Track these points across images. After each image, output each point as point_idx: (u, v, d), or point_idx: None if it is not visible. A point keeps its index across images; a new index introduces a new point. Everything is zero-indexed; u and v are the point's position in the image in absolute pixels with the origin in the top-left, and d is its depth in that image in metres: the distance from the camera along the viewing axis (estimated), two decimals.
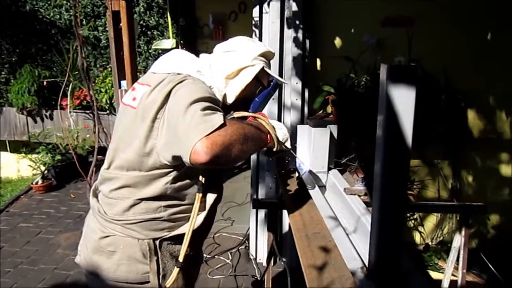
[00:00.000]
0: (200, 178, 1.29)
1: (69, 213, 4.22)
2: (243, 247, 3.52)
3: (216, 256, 3.35)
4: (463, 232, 1.71)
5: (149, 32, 5.70)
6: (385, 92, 0.91)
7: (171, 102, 1.20)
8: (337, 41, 3.24)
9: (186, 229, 1.30)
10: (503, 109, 3.21)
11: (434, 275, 2.91)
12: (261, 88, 1.49)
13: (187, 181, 1.31)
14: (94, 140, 5.37)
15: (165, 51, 5.54)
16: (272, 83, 1.52)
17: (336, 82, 3.10)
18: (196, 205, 1.29)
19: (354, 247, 1.21)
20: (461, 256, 1.72)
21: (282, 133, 1.35)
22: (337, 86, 3.10)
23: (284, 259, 1.84)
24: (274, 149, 1.35)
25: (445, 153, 3.29)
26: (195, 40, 5.82)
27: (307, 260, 1.22)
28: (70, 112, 5.34)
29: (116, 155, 1.31)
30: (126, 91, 3.59)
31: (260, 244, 3.30)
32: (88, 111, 5.44)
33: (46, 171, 4.96)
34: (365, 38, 3.07)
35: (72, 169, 4.86)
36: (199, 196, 1.29)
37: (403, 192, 0.97)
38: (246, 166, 5.61)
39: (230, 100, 1.38)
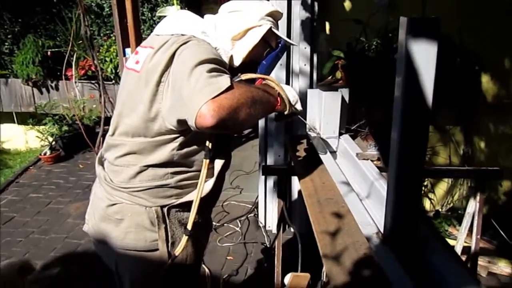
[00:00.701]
0: (207, 143, 1.25)
1: (78, 183, 4.24)
2: (252, 215, 3.52)
3: (225, 224, 3.36)
4: (477, 198, 1.66)
5: None
6: (405, 47, 0.84)
7: (175, 64, 1.14)
8: (347, 4, 3.13)
9: (194, 196, 1.27)
10: None
11: None
12: (269, 50, 1.42)
13: (194, 147, 1.27)
14: (100, 111, 5.35)
15: None
16: (280, 45, 1.45)
17: (346, 46, 3.01)
18: (204, 171, 1.25)
19: (368, 212, 1.17)
20: (475, 221, 1.68)
21: (291, 95, 1.30)
22: (347, 50, 3.01)
23: (293, 225, 1.81)
24: (285, 113, 1.30)
25: (458, 119, 3.21)
26: (200, 6, 5.69)
27: (320, 226, 1.18)
28: (75, 82, 5.30)
29: (121, 120, 1.27)
30: None
31: (269, 212, 3.29)
32: (93, 81, 5.38)
33: (53, 142, 4.96)
34: None
35: (80, 140, 4.85)
36: (206, 162, 1.25)
37: (422, 156, 0.93)
38: (253, 134, 5.57)
39: (236, 62, 1.32)
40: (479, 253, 1.75)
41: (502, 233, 2.84)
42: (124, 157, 1.27)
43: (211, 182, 1.30)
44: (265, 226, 3.32)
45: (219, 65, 1.14)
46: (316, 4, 2.97)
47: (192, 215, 1.26)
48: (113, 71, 5.30)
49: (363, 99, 2.94)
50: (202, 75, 1.06)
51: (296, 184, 3.02)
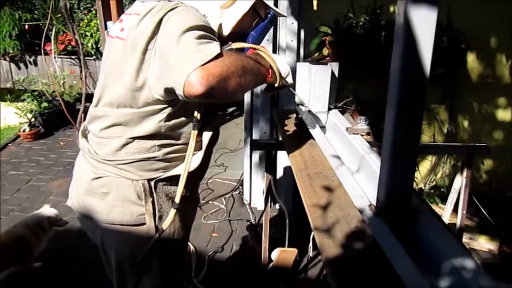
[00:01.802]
0: (196, 113, 1.21)
1: (59, 161, 4.15)
2: (236, 192, 3.51)
3: (210, 202, 3.34)
4: (464, 173, 1.67)
5: None
6: (404, 13, 0.81)
7: (162, 31, 1.09)
8: None
9: (182, 170, 1.24)
10: (504, 52, 3.12)
11: None
12: (257, 21, 1.38)
13: (182, 118, 1.23)
14: (81, 87, 5.23)
15: None
16: (269, 16, 1.41)
17: (333, 22, 2.97)
18: (192, 143, 1.22)
19: (360, 186, 1.16)
20: (461, 197, 1.70)
21: (283, 67, 1.26)
22: (334, 27, 2.97)
23: (280, 201, 1.80)
24: (276, 85, 1.26)
25: (442, 98, 3.22)
26: None
27: (310, 199, 1.17)
28: (54, 57, 5.15)
29: (105, 91, 1.22)
30: None
31: (254, 189, 3.28)
32: (73, 57, 5.24)
33: (33, 119, 4.84)
34: None
35: (60, 116, 4.76)
36: (194, 133, 1.21)
37: (418, 128, 0.91)
38: (238, 112, 5.54)
39: (225, 31, 1.28)
40: (463, 228, 1.77)
41: (483, 210, 2.89)
42: (109, 129, 1.22)
43: (199, 155, 1.27)
44: (250, 203, 3.32)
45: (208, 32, 1.09)
46: None
47: (180, 189, 1.23)
48: (94, 46, 5.17)
49: (350, 76, 2.93)
50: (191, 41, 1.02)
51: (281, 160, 3.01)
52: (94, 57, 5.22)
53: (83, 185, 1.28)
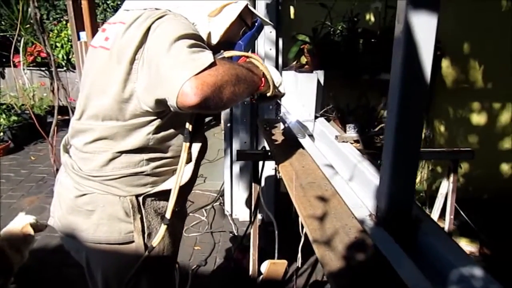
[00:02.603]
0: (187, 125, 1.16)
1: (31, 176, 4.00)
2: (217, 203, 3.46)
3: (190, 214, 3.27)
4: (451, 178, 1.68)
5: None
6: (404, 19, 0.80)
7: (151, 40, 1.05)
8: None
9: (173, 183, 1.19)
10: (476, 58, 3.20)
11: None
12: (245, 29, 1.36)
13: (171, 130, 1.18)
14: (52, 99, 5.08)
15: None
16: (256, 24, 1.38)
17: (311, 31, 2.98)
18: (184, 155, 1.17)
19: (356, 194, 1.14)
20: (448, 201, 1.70)
21: (276, 76, 1.23)
22: (312, 35, 2.98)
23: (270, 213, 1.77)
24: (268, 94, 1.23)
25: (428, 95, 3.27)
26: None
27: (306, 210, 1.14)
28: (23, 69, 4.99)
29: (89, 103, 1.16)
30: (86, 43, 3.34)
31: (236, 200, 3.24)
32: (43, 68, 5.10)
33: (1, 133, 4.64)
34: None
35: (30, 130, 4.60)
36: (186, 145, 1.17)
37: (419, 134, 0.90)
38: (214, 122, 5.50)
39: (214, 40, 1.24)
40: (451, 233, 1.78)
41: (462, 213, 2.93)
42: (94, 143, 1.16)
43: (190, 167, 1.23)
44: (231, 214, 3.27)
45: (199, 40, 1.05)
46: None
47: (171, 203, 1.18)
48: (65, 57, 5.04)
49: (329, 84, 2.94)
50: (183, 50, 0.98)
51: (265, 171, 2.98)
52: (65, 68, 5.09)
53: (66, 202, 1.22)
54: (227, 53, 1.15)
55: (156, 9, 1.14)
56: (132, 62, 1.06)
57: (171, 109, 1.00)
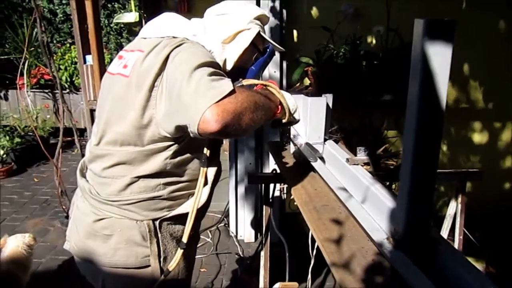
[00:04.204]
0: (205, 151, 1.19)
1: (34, 198, 3.99)
2: (222, 224, 3.45)
3: None
4: (459, 199, 1.70)
5: (109, 5, 5.40)
6: (421, 49, 0.83)
7: (170, 68, 1.08)
8: (314, 11, 3.16)
9: (189, 207, 1.21)
10: (477, 78, 3.25)
11: None
12: (257, 55, 1.39)
13: (188, 155, 1.21)
14: (55, 121, 5.11)
15: (127, 25, 5.26)
16: (268, 50, 1.42)
17: (314, 53, 3.03)
18: (201, 180, 1.19)
19: (372, 217, 1.16)
20: (457, 222, 1.72)
21: (291, 103, 1.26)
22: (315, 57, 3.03)
23: (280, 235, 1.78)
24: (284, 120, 1.26)
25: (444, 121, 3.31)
26: (159, 13, 5.58)
27: (322, 233, 1.15)
28: (27, 91, 5.03)
29: (108, 128, 1.18)
30: (92, 66, 3.38)
31: (241, 221, 3.24)
32: (46, 90, 5.14)
33: (4, 155, 4.65)
34: (344, 7, 3.00)
35: (33, 152, 4.61)
36: (203, 170, 1.19)
37: (436, 158, 0.92)
38: None
39: (229, 66, 1.28)
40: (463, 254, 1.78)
41: (465, 231, 2.93)
42: (112, 168, 1.18)
43: (206, 191, 1.25)
44: (236, 236, 3.26)
45: (217, 68, 1.09)
46: (284, 11, 2.97)
47: (188, 227, 1.20)
48: (68, 79, 5.09)
49: (333, 106, 2.98)
50: (203, 78, 1.01)
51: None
52: (68, 90, 5.13)
53: (84, 227, 1.23)
54: (246, 81, 1.19)
55: (174, 37, 1.18)
56: (151, 90, 1.09)
57: (191, 135, 1.03)
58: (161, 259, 1.23)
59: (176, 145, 1.16)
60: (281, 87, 3.05)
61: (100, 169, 1.21)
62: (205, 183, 1.26)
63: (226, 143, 3.61)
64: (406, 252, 0.95)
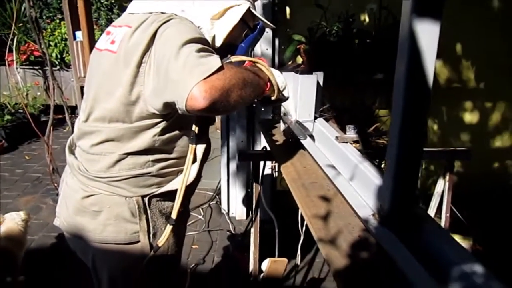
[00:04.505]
0: (194, 128, 1.19)
1: (26, 176, 3.99)
2: (214, 202, 3.48)
3: None
4: (447, 177, 1.72)
5: None
6: (409, 27, 0.83)
7: (158, 44, 1.07)
8: None
9: (178, 184, 1.21)
10: (469, 58, 3.25)
11: None
12: (247, 32, 1.38)
13: (176, 132, 1.21)
14: (46, 98, 5.05)
15: (118, 0, 5.15)
16: (258, 27, 1.41)
17: (307, 31, 3.01)
18: (189, 157, 1.20)
19: (359, 194, 1.17)
20: (444, 200, 1.75)
21: (280, 80, 1.26)
22: (308, 35, 3.01)
23: (271, 212, 1.79)
24: (273, 98, 1.26)
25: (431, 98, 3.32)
26: None
27: (310, 210, 1.17)
28: (17, 68, 4.96)
29: (96, 105, 1.18)
30: (81, 42, 3.34)
31: (232, 198, 3.26)
32: (36, 67, 5.07)
33: None
34: None
35: (24, 130, 4.58)
36: (192, 147, 1.19)
37: (422, 135, 0.93)
38: None
39: (218, 43, 1.27)
40: (449, 231, 1.82)
41: (455, 210, 2.98)
42: (101, 145, 1.18)
43: (195, 168, 1.25)
44: (228, 213, 3.29)
45: (206, 44, 1.08)
46: None
47: (177, 204, 1.20)
48: (58, 56, 5.02)
49: (325, 84, 2.97)
50: (191, 54, 1.00)
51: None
52: (58, 67, 5.07)
53: (73, 203, 1.23)
54: (234, 58, 1.18)
55: (162, 12, 1.16)
56: (139, 66, 1.08)
57: (179, 111, 1.03)
58: (151, 235, 1.24)
59: (164, 122, 1.16)
60: (273, 65, 3.04)
61: (88, 146, 1.20)
62: (194, 160, 1.26)
63: (218, 121, 3.60)
64: (391, 228, 0.97)
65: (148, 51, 1.08)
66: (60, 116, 4.36)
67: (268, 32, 2.93)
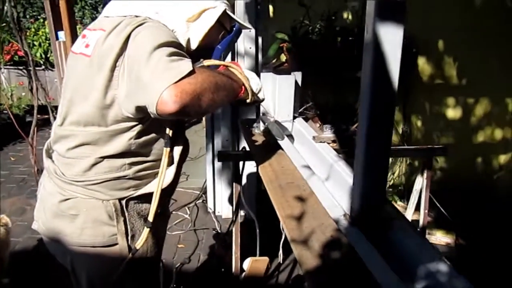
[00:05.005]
0: (167, 131, 1.20)
1: (11, 177, 3.96)
2: (200, 201, 3.49)
3: (173, 212, 3.30)
4: (425, 174, 1.75)
5: None
6: (373, 30, 0.85)
7: (131, 48, 1.07)
8: None
9: (154, 187, 1.22)
10: (451, 54, 3.29)
11: None
12: (223, 34, 1.38)
13: (153, 135, 1.21)
14: (30, 99, 5.02)
15: None
16: (234, 28, 1.41)
17: (290, 29, 3.02)
18: (165, 160, 1.20)
19: (332, 195, 1.19)
20: (423, 197, 1.77)
21: (255, 83, 1.27)
22: (291, 33, 3.02)
23: (251, 212, 1.81)
24: (248, 100, 1.27)
25: (397, 99, 3.35)
26: None
27: (284, 210, 1.18)
28: (0, 68, 4.91)
29: (71, 109, 1.18)
30: (64, 43, 3.31)
31: (218, 197, 3.27)
32: (21, 67, 5.03)
33: None
34: None
35: (8, 131, 4.53)
36: (167, 150, 1.20)
37: (389, 136, 0.95)
38: (195, 120, 5.50)
39: (193, 45, 1.27)
40: (425, 227, 1.85)
41: (439, 205, 3.02)
42: (76, 149, 1.18)
43: (171, 170, 1.26)
44: (214, 212, 3.31)
45: (178, 48, 1.08)
46: None
47: (153, 207, 1.21)
48: (43, 56, 4.98)
49: (308, 82, 2.99)
50: (162, 58, 1.01)
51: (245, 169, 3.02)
52: (43, 67, 5.03)
53: (50, 207, 1.24)
54: (207, 62, 1.19)
55: (136, 16, 1.16)
56: (113, 70, 1.09)
57: (152, 115, 1.03)
58: (129, 237, 1.25)
59: (140, 125, 1.17)
60: (256, 63, 3.05)
61: (64, 150, 1.21)
62: (172, 162, 1.27)
63: (203, 120, 3.60)
64: (360, 227, 0.99)
65: (122, 55, 1.08)
66: (46, 116, 4.32)
67: (252, 31, 2.94)
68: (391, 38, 0.86)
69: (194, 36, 1.27)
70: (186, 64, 1.02)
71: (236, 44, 2.98)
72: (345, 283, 0.91)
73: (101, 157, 1.18)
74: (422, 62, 3.28)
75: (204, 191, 3.49)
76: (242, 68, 1.26)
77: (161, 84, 0.97)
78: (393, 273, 0.85)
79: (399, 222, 1.03)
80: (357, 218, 1.00)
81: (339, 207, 1.11)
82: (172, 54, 1.03)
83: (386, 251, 0.93)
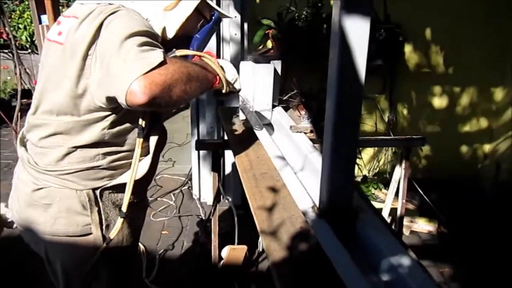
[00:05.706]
0: (140, 121, 1.19)
1: None
2: (185, 187, 3.49)
3: (158, 198, 3.31)
4: (403, 165, 1.76)
5: None
6: (339, 23, 0.84)
7: (103, 36, 1.05)
8: None
9: (128, 178, 1.22)
10: (438, 43, 3.29)
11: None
12: (202, 22, 1.37)
13: (127, 125, 1.21)
14: (16, 82, 4.95)
15: None
16: (214, 17, 1.40)
17: (276, 15, 3.00)
18: (137, 151, 1.20)
19: (303, 186, 1.20)
20: (401, 186, 1.79)
21: (231, 73, 1.26)
22: (277, 19, 3.00)
23: (229, 198, 1.82)
24: (223, 91, 1.27)
25: (383, 88, 3.36)
26: None
27: (256, 201, 1.19)
28: None
29: (44, 97, 1.17)
30: (47, 27, 3.26)
31: (203, 184, 3.28)
32: (6, 50, 4.94)
33: None
34: None
35: None
36: (139, 141, 1.20)
37: (356, 128, 0.95)
38: (183, 105, 5.47)
39: (170, 34, 1.26)
40: (404, 215, 1.87)
41: (422, 194, 3.06)
42: (49, 138, 1.17)
43: (146, 161, 1.25)
44: (199, 198, 3.32)
45: (151, 38, 1.07)
46: None
47: (126, 197, 1.21)
48: (28, 39, 4.91)
49: (293, 69, 2.98)
50: (133, 48, 0.99)
51: (230, 155, 3.02)
52: (29, 50, 4.96)
53: (23, 197, 1.23)
54: (179, 52, 1.17)
55: (110, 3, 1.15)
56: (85, 58, 1.07)
57: (122, 106, 1.03)
58: (103, 227, 1.25)
59: (113, 115, 1.16)
60: (242, 50, 3.03)
61: (37, 139, 1.20)
62: (147, 152, 1.27)
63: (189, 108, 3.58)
64: (328, 220, 1.00)
65: (94, 43, 1.07)
66: (31, 101, 4.28)
67: (237, 17, 2.91)
68: (358, 32, 0.86)
69: (171, 25, 1.25)
70: (157, 55, 1.01)
71: (221, 30, 2.96)
72: (310, 276, 0.93)
73: (74, 147, 1.17)
74: (409, 50, 3.28)
75: (189, 177, 3.50)
76: (217, 58, 1.25)
77: (131, 75, 0.96)
78: (355, 268, 0.86)
79: (367, 215, 1.04)
80: (324, 210, 1.01)
81: (309, 199, 1.11)
82: (143, 44, 1.02)
83: (351, 244, 0.94)
